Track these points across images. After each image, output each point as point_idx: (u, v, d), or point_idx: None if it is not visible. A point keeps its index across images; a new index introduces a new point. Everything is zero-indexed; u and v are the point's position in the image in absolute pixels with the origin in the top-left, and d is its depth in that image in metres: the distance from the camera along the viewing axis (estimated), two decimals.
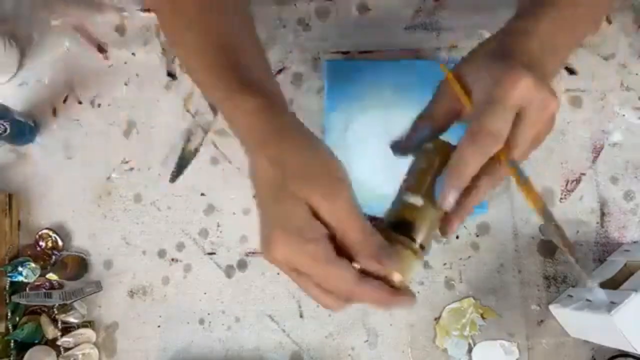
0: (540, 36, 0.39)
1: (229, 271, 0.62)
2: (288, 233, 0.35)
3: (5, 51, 0.62)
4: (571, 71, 0.63)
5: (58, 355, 0.59)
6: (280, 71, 0.64)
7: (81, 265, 0.62)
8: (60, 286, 0.61)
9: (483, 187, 0.37)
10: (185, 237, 0.63)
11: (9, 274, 0.59)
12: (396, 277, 0.35)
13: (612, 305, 0.49)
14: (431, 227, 0.38)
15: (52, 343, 0.60)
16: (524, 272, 0.61)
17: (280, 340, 0.61)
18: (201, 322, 0.61)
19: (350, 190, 0.35)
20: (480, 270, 0.61)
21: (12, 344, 0.58)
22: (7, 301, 0.59)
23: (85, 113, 0.65)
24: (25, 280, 0.60)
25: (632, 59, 0.63)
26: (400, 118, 0.61)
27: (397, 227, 0.37)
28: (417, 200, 0.37)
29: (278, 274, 0.62)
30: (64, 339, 0.59)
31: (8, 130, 0.59)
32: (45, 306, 0.60)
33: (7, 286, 0.60)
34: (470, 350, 0.60)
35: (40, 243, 0.62)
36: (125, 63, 0.65)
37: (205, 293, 0.62)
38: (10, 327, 0.59)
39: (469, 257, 0.61)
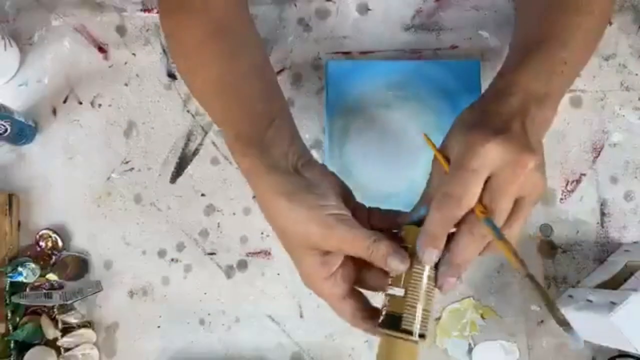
0: (520, 91, 0.40)
1: (229, 271, 0.62)
2: (304, 277, 0.41)
3: (5, 51, 0.62)
4: None
5: (58, 355, 0.59)
6: (280, 71, 0.64)
7: (81, 265, 0.62)
8: (61, 286, 0.61)
9: (462, 244, 0.38)
10: (185, 237, 0.63)
11: (9, 274, 0.59)
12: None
13: (612, 305, 0.49)
14: (424, 309, 0.38)
15: (52, 343, 0.60)
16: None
17: (280, 340, 0.61)
18: (201, 322, 0.61)
19: (340, 222, 0.38)
20: (480, 270, 0.61)
21: (12, 344, 0.58)
22: (7, 301, 0.59)
23: (85, 113, 0.65)
24: (25, 281, 0.60)
25: (632, 59, 0.63)
26: (400, 118, 0.62)
27: (392, 324, 0.38)
28: (399, 292, 0.38)
29: (278, 274, 0.62)
30: (64, 339, 0.59)
31: (8, 130, 0.59)
32: (45, 306, 0.60)
33: (7, 286, 0.60)
34: (470, 351, 0.60)
35: (41, 243, 0.62)
36: (125, 63, 0.65)
37: (205, 293, 0.62)
38: (10, 328, 0.59)
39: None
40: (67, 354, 0.59)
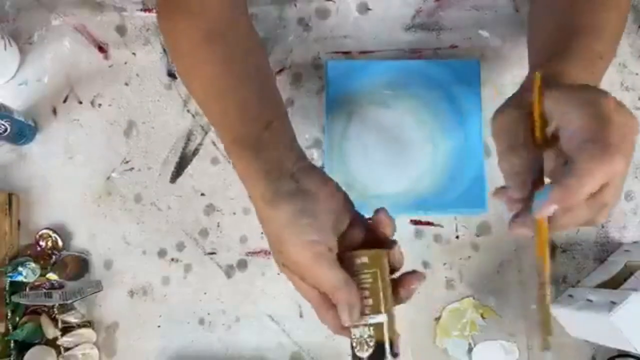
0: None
1: (229, 271, 0.62)
2: (295, 287, 0.42)
3: (5, 51, 0.62)
4: None
5: (58, 355, 0.59)
6: (280, 71, 0.64)
7: (81, 265, 0.62)
8: (61, 286, 0.61)
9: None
10: (185, 237, 0.63)
11: (9, 274, 0.59)
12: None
13: (612, 305, 0.49)
14: (374, 332, 0.40)
15: (52, 343, 0.60)
16: (524, 272, 0.61)
17: (280, 340, 0.61)
18: (201, 322, 0.61)
19: (317, 255, 0.39)
20: (480, 270, 0.61)
21: (12, 344, 0.58)
22: (7, 301, 0.59)
23: (85, 113, 0.65)
24: (25, 280, 0.60)
25: (632, 59, 0.63)
26: (400, 118, 0.62)
27: (375, 352, 0.39)
28: (381, 318, 0.39)
29: (278, 274, 0.62)
30: (64, 338, 0.59)
31: (8, 130, 0.59)
32: (45, 306, 0.60)
33: (7, 286, 0.60)
34: (470, 350, 0.60)
35: (40, 243, 0.62)
36: (125, 63, 0.65)
37: (205, 293, 0.62)
38: (10, 327, 0.59)
39: (469, 257, 0.61)
40: (67, 353, 0.59)
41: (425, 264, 0.61)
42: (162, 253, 0.63)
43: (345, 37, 0.65)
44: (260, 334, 0.61)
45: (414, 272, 0.42)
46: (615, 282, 0.54)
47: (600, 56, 0.42)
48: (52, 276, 0.61)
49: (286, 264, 0.41)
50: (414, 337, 0.60)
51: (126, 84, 0.65)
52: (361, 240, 0.42)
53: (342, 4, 0.65)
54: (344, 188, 0.42)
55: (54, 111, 0.65)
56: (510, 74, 0.64)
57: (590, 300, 0.53)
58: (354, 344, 0.40)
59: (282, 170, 0.41)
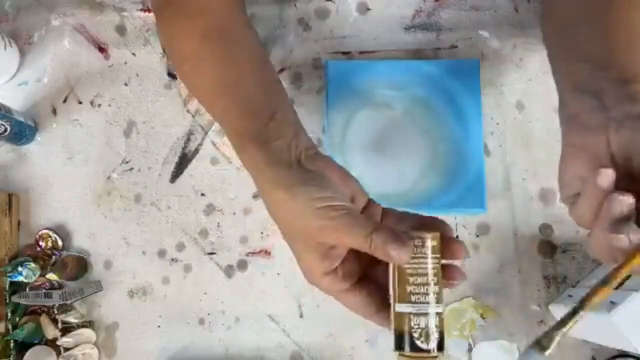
0: None
1: (229, 271, 0.62)
2: (305, 272, 0.40)
3: (5, 51, 0.62)
4: None
5: (58, 355, 0.59)
6: (280, 71, 0.64)
7: (81, 265, 0.62)
8: (60, 286, 0.61)
9: None
10: (185, 237, 0.63)
11: (9, 274, 0.59)
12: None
13: (612, 305, 0.49)
14: (439, 322, 0.37)
15: (52, 343, 0.60)
16: (524, 272, 0.61)
17: (280, 340, 0.61)
18: (201, 322, 0.61)
19: (338, 213, 0.37)
20: (480, 270, 0.61)
21: (12, 344, 0.58)
22: (7, 301, 0.59)
23: (85, 113, 0.65)
24: (25, 280, 0.60)
25: None
26: (400, 118, 0.62)
27: (405, 343, 0.36)
28: (405, 308, 0.36)
29: (278, 274, 0.62)
30: (64, 339, 0.59)
31: (8, 130, 0.59)
32: (45, 306, 0.60)
33: (7, 286, 0.60)
34: (470, 350, 0.60)
35: (40, 243, 0.62)
36: (125, 63, 0.65)
37: (205, 293, 0.62)
38: (10, 327, 0.59)
39: (469, 257, 0.61)
40: (66, 353, 0.59)
41: None
42: (162, 253, 0.63)
43: (345, 37, 0.65)
44: (260, 334, 0.61)
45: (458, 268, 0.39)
46: None
47: None
48: (52, 276, 0.61)
49: (307, 245, 0.38)
50: None
51: (126, 84, 0.65)
52: (380, 220, 0.41)
53: (342, 4, 0.65)
54: None
55: (54, 111, 0.65)
56: (510, 74, 0.64)
57: None
58: (416, 336, 0.36)
59: (290, 157, 0.41)
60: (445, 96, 0.61)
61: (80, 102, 0.65)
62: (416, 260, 0.36)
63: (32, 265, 0.60)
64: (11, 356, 0.58)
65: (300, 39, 0.65)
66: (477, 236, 0.61)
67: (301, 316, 0.61)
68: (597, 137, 0.39)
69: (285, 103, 0.46)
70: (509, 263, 0.61)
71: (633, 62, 0.41)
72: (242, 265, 0.62)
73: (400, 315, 0.36)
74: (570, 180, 0.41)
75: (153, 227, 0.63)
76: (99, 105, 0.65)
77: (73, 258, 0.62)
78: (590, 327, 0.54)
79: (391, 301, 0.38)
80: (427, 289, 0.36)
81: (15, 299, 0.59)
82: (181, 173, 0.64)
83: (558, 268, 0.61)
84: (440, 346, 0.36)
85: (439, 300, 0.37)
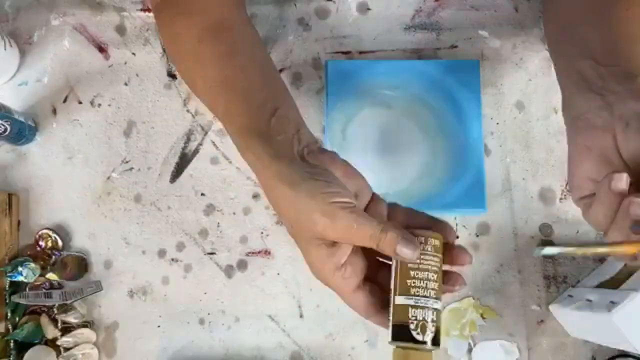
0: None
1: (229, 271, 0.62)
2: (312, 269, 0.40)
3: (5, 51, 0.62)
4: None
5: (58, 355, 0.59)
6: (280, 71, 0.64)
7: (81, 265, 0.62)
8: (60, 286, 0.61)
9: None
10: (185, 237, 0.63)
11: (9, 274, 0.59)
12: None
13: (612, 305, 0.49)
14: (436, 318, 0.37)
15: (52, 343, 0.60)
16: (524, 272, 0.61)
17: (280, 340, 0.61)
18: (201, 322, 0.61)
19: (345, 210, 0.37)
20: (480, 270, 0.61)
21: (11, 344, 0.58)
22: (7, 301, 0.59)
23: (85, 113, 0.65)
24: (25, 280, 0.60)
25: None
26: (400, 118, 0.62)
27: (402, 335, 0.37)
28: (405, 300, 0.37)
29: (278, 274, 0.62)
30: (64, 339, 0.59)
31: (8, 130, 0.59)
32: (45, 306, 0.60)
33: (7, 286, 0.60)
34: (470, 350, 0.60)
35: (40, 243, 0.62)
36: (125, 63, 0.65)
37: (205, 293, 0.62)
38: (10, 327, 0.59)
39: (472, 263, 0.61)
40: (66, 353, 0.59)
41: None
42: (162, 253, 0.63)
43: (345, 37, 0.65)
44: (260, 334, 0.61)
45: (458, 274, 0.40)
46: (615, 282, 0.54)
47: None
48: (52, 276, 0.61)
49: (314, 242, 0.38)
50: None
51: (126, 84, 0.65)
52: (385, 216, 0.41)
53: (342, 4, 0.65)
54: None
55: (54, 111, 0.65)
56: (510, 74, 0.64)
57: (590, 300, 0.53)
58: (412, 327, 0.36)
59: (294, 152, 0.40)
60: (445, 96, 0.61)
61: (80, 102, 0.65)
62: (427, 257, 0.37)
63: (32, 265, 0.60)
64: (11, 356, 0.58)
65: (300, 39, 0.65)
66: (477, 236, 0.61)
67: (301, 316, 0.61)
68: (604, 137, 0.39)
69: (287, 99, 0.45)
70: (509, 263, 0.61)
71: (636, 57, 0.41)
72: (242, 265, 0.62)
73: (399, 307, 0.37)
74: (581, 182, 0.41)
75: (153, 227, 0.63)
76: (99, 105, 0.65)
77: (73, 258, 0.62)
78: (591, 327, 0.54)
79: (391, 295, 0.38)
80: (426, 284, 0.37)
81: (15, 299, 0.59)
82: (181, 173, 0.64)
83: (558, 268, 0.61)
84: (436, 341, 0.37)
85: (437, 297, 0.38)
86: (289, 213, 0.39)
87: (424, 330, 0.37)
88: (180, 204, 0.63)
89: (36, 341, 0.60)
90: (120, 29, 0.66)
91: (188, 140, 0.64)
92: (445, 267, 0.40)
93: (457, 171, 0.60)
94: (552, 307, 0.58)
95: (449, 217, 0.62)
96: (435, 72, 0.62)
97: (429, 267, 0.38)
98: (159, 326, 0.61)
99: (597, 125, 0.40)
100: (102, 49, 0.66)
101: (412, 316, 0.37)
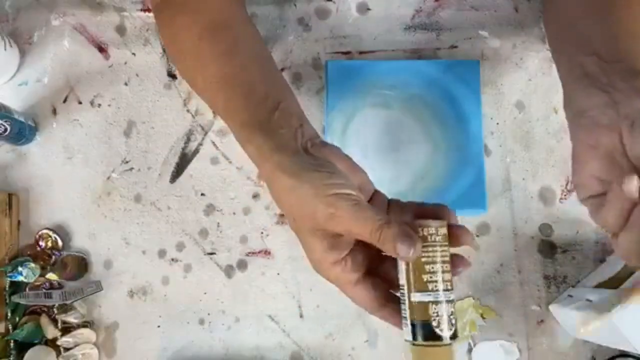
0: None
1: (229, 271, 0.62)
2: (312, 262, 0.40)
3: (5, 51, 0.62)
4: None
5: (58, 355, 0.59)
6: (280, 71, 0.64)
7: (81, 265, 0.62)
8: (60, 286, 0.61)
9: None
10: (185, 237, 0.63)
11: (9, 274, 0.59)
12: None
13: (612, 305, 0.49)
14: (454, 310, 0.37)
15: (52, 343, 0.60)
16: (524, 272, 0.61)
17: (280, 340, 0.61)
18: (201, 322, 0.61)
19: (347, 202, 0.36)
20: (480, 270, 0.61)
21: (11, 344, 0.58)
22: (7, 301, 0.59)
23: (85, 113, 0.65)
24: (25, 280, 0.60)
25: None
26: (400, 118, 0.62)
27: (419, 333, 0.36)
28: (417, 297, 0.36)
29: (278, 274, 0.62)
30: (64, 339, 0.59)
31: (8, 130, 0.59)
32: (45, 306, 0.60)
33: (7, 286, 0.60)
34: (470, 350, 0.60)
35: (40, 243, 0.62)
36: (125, 63, 0.65)
37: (205, 293, 0.62)
38: (10, 327, 0.59)
39: (469, 257, 0.61)
40: (66, 353, 0.59)
41: None
42: (162, 253, 0.63)
43: (345, 37, 0.65)
44: (260, 334, 0.61)
45: (462, 256, 0.39)
46: (615, 282, 0.54)
47: None
48: (52, 276, 0.61)
49: (315, 234, 0.38)
50: None
51: (126, 84, 0.65)
52: (387, 209, 0.41)
53: (342, 4, 0.65)
54: None
55: (54, 111, 0.65)
56: (510, 74, 0.64)
57: (590, 301, 0.53)
58: (435, 324, 0.35)
59: (297, 145, 0.40)
60: (445, 96, 0.61)
61: (80, 102, 0.65)
62: (430, 249, 0.36)
63: (32, 265, 0.60)
64: (11, 356, 0.58)
65: (300, 39, 0.65)
66: (477, 236, 0.61)
67: (301, 316, 0.61)
68: (610, 136, 0.38)
69: (289, 94, 0.45)
70: (509, 263, 0.61)
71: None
72: (242, 265, 0.62)
73: (417, 305, 0.36)
74: (586, 181, 0.40)
75: (153, 227, 0.63)
76: (99, 105, 0.65)
77: (73, 258, 0.62)
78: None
79: (404, 292, 0.37)
80: (442, 277, 0.36)
81: (15, 299, 0.59)
82: (181, 173, 0.64)
83: (558, 268, 0.61)
84: (456, 334, 0.36)
85: (452, 288, 0.36)
86: (291, 204, 0.38)
87: (446, 326, 0.35)
88: (180, 204, 0.63)
89: (36, 341, 0.60)
90: (120, 29, 0.66)
91: (188, 140, 0.64)
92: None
93: (457, 171, 0.60)
94: (552, 307, 0.58)
95: None
96: (435, 72, 0.62)
97: (443, 258, 0.36)
98: (159, 326, 0.61)
99: (603, 123, 0.39)
100: (102, 49, 0.66)
101: (434, 313, 0.35)
